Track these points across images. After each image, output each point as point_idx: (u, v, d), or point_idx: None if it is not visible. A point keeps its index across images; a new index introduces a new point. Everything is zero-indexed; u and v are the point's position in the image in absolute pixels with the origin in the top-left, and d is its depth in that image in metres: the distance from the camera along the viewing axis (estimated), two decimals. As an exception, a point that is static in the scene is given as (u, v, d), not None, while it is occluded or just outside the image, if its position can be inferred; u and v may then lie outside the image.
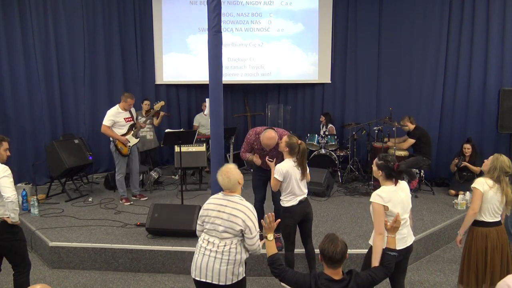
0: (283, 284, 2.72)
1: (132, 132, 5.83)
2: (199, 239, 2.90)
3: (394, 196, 3.01)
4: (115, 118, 5.72)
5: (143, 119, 6.76)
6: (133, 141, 5.87)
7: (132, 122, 5.88)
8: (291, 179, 3.72)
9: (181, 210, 4.87)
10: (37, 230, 4.90)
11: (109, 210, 5.70)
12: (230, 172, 2.83)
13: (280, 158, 4.16)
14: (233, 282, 2.77)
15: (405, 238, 3.08)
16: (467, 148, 6.32)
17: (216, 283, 2.74)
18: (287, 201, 3.78)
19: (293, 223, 3.80)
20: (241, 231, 2.75)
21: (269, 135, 4.10)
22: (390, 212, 2.98)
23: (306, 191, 3.84)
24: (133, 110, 6.04)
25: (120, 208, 5.77)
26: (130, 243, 4.57)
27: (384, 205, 2.97)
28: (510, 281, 1.92)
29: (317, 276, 2.39)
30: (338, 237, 2.41)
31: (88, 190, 6.67)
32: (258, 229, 2.82)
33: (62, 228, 5.01)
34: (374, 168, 3.14)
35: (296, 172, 3.73)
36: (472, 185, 3.39)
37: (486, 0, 6.76)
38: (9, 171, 3.39)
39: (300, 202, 3.77)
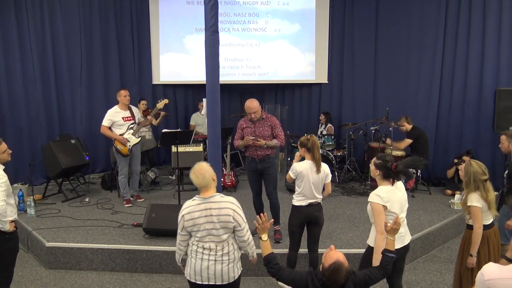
0: (280, 283, 2.72)
1: (132, 131, 5.77)
2: (190, 246, 2.82)
3: (392, 196, 3.03)
4: (113, 118, 5.69)
5: (143, 118, 6.63)
6: (133, 140, 5.78)
7: (132, 122, 5.82)
8: (303, 180, 3.73)
9: (178, 210, 4.83)
10: (33, 230, 4.88)
11: (106, 211, 5.68)
12: (204, 170, 2.80)
13: (268, 137, 4.52)
14: (235, 279, 2.81)
15: (402, 237, 3.10)
16: (467, 160, 6.20)
17: (220, 283, 2.76)
18: (297, 200, 3.80)
19: (298, 222, 3.81)
20: (234, 227, 2.75)
21: (250, 99, 4.53)
22: (388, 212, 2.99)
23: (320, 197, 3.82)
24: (135, 109, 5.98)
25: (117, 208, 5.76)
26: (127, 243, 4.56)
27: (383, 205, 2.98)
28: (485, 270, 1.95)
29: (314, 274, 2.39)
30: (344, 271, 2.30)
31: (85, 190, 6.66)
32: (245, 220, 2.80)
33: (58, 228, 5.00)
34: (372, 167, 3.15)
35: (311, 174, 3.72)
36: (469, 203, 3.23)
37: (482, 1, 6.79)
38: (4, 179, 3.19)
39: (310, 204, 3.77)
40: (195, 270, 2.77)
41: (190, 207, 2.81)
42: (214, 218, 2.72)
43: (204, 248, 2.76)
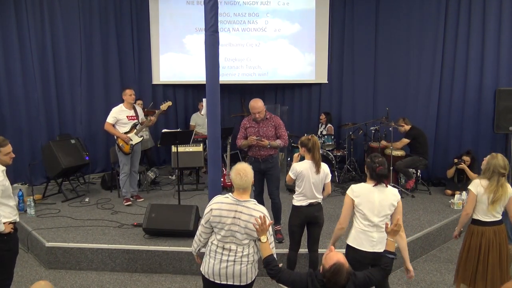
0: (280, 284, 2.72)
1: (135, 130, 5.79)
2: (209, 246, 2.82)
3: (366, 194, 3.03)
4: (118, 116, 5.72)
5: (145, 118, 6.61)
6: (135, 139, 5.80)
7: (135, 121, 5.85)
8: (303, 180, 3.74)
9: (178, 210, 4.87)
10: (33, 230, 4.89)
11: (106, 211, 5.68)
12: (247, 171, 2.75)
13: (271, 137, 4.55)
14: (253, 279, 2.82)
15: (374, 242, 3.04)
16: (466, 160, 6.20)
17: (238, 284, 2.76)
18: (298, 201, 3.81)
19: (298, 222, 3.81)
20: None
21: (254, 99, 4.55)
22: (356, 208, 3.06)
23: (320, 197, 3.83)
24: (139, 109, 6.01)
25: (117, 208, 5.76)
26: (127, 243, 4.56)
27: (352, 199, 3.03)
28: None
29: (314, 276, 2.39)
30: (345, 272, 2.30)
31: (85, 190, 6.66)
32: (271, 232, 2.78)
33: (58, 228, 5.00)
34: (365, 166, 3.20)
35: (311, 174, 3.73)
36: (468, 186, 3.44)
37: (482, 1, 6.79)
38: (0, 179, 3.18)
39: (310, 204, 3.77)
40: (214, 270, 2.76)
41: (221, 204, 2.77)
42: (241, 222, 2.71)
43: (224, 249, 2.75)
